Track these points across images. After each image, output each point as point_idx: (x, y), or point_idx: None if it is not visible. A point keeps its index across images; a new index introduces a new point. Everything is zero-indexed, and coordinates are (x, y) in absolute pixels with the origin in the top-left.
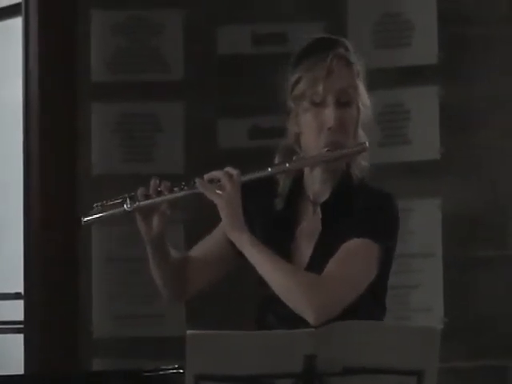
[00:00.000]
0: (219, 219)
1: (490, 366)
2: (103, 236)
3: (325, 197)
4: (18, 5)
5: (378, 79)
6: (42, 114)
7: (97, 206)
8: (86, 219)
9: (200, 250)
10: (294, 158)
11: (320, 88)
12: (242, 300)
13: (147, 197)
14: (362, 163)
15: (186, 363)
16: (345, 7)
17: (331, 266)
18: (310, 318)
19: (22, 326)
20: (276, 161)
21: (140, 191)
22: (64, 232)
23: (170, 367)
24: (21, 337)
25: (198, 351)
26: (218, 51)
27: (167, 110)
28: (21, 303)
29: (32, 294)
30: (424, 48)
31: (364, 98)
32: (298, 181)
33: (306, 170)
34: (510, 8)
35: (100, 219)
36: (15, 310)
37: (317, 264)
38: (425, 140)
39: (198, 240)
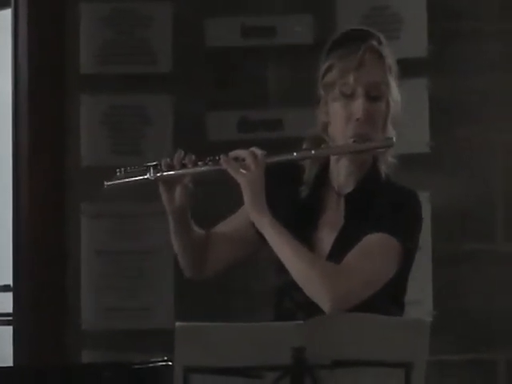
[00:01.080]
0: (207, 211)
1: (478, 359)
2: (92, 229)
3: (349, 188)
4: None
5: None
6: (30, 106)
7: (120, 171)
8: (108, 183)
9: (223, 227)
10: (321, 146)
11: (350, 79)
12: (230, 292)
13: (171, 168)
14: (390, 159)
15: (174, 355)
16: (334, 0)
17: (350, 257)
18: (324, 306)
19: (10, 318)
20: (304, 147)
21: (164, 161)
22: (53, 224)
23: (158, 359)
24: (10, 329)
25: (187, 343)
26: (207, 44)
27: (156, 103)
28: (10, 295)
29: (21, 287)
30: (413, 41)
31: (394, 93)
32: (323, 170)
33: (333, 160)
34: (499, 2)
35: (121, 185)
36: (4, 303)
37: (337, 255)
38: (414, 133)
39: None
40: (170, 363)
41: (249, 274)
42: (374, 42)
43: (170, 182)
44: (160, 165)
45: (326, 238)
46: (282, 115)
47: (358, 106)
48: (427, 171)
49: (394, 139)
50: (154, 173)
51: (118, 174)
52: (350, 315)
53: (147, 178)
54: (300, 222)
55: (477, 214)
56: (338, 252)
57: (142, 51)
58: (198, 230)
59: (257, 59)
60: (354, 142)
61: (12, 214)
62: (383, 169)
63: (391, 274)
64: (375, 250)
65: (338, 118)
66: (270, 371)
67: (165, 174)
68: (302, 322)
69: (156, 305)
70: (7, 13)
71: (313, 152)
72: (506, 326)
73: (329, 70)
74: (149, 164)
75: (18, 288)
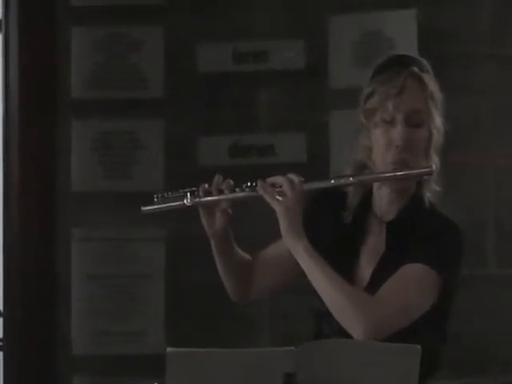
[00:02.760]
0: (200, 236)
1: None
2: (82, 253)
3: (392, 216)
4: None
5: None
6: (21, 129)
7: (157, 197)
8: (145, 209)
9: (268, 252)
10: (360, 173)
11: (390, 105)
12: (220, 318)
13: (208, 193)
14: (434, 187)
15: (165, 381)
16: (326, 25)
17: (386, 288)
18: (357, 336)
19: (0, 343)
20: (346, 173)
21: (202, 187)
22: (43, 248)
23: None
24: (0, 354)
25: (178, 369)
26: (199, 68)
27: (147, 128)
28: (0, 320)
29: (11, 311)
30: None
31: (437, 121)
32: (367, 196)
33: (375, 187)
34: (490, 27)
35: (158, 210)
36: None
37: (377, 283)
38: None
39: (179, 257)
40: None
41: None
42: (416, 69)
43: (210, 207)
44: (198, 190)
45: (367, 265)
46: (274, 140)
47: (398, 133)
48: None
49: (434, 167)
50: (191, 199)
51: (156, 199)
52: (339, 341)
53: (184, 204)
54: (343, 249)
55: (468, 239)
56: (378, 280)
57: (133, 76)
58: (242, 254)
59: (248, 84)
60: (394, 169)
61: (2, 238)
62: (427, 197)
63: (427, 306)
64: (411, 281)
65: (379, 145)
66: None
67: (202, 200)
68: (292, 348)
69: (147, 329)
70: None
71: (351, 179)
72: (499, 351)
73: (371, 95)
74: (186, 190)
75: (9, 313)
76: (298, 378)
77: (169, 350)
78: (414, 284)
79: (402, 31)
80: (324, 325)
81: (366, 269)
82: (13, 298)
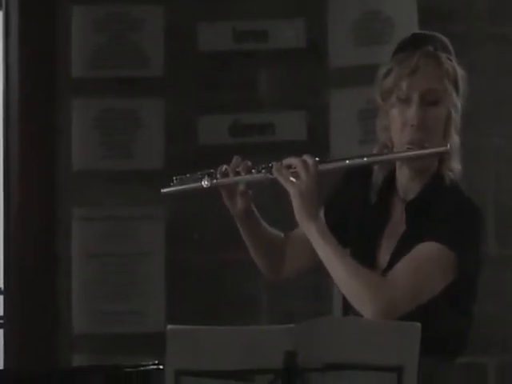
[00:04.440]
0: (200, 215)
1: (468, 363)
2: (83, 232)
3: (413, 195)
4: None
5: (360, 77)
6: (21, 109)
7: (176, 179)
8: (164, 190)
9: (299, 232)
10: (377, 153)
11: (404, 85)
12: (221, 296)
13: (225, 175)
14: (453, 165)
15: (166, 359)
16: (325, 4)
17: (399, 267)
18: (367, 315)
19: (1, 321)
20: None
21: (219, 169)
22: (44, 228)
23: (150, 363)
24: (0, 332)
25: (178, 346)
26: (199, 48)
27: (147, 106)
28: (0, 299)
29: (12, 290)
30: None
31: (455, 99)
32: (390, 176)
33: (397, 166)
34: (490, 6)
35: (178, 192)
36: None
37: (396, 263)
38: None
39: (180, 237)
40: (162, 367)
41: (240, 277)
42: (430, 48)
43: (230, 189)
44: (215, 173)
45: (389, 245)
46: (274, 119)
47: (413, 112)
48: None
49: (449, 146)
50: (208, 180)
51: (175, 181)
52: (341, 319)
53: (202, 186)
54: (368, 229)
55: None
56: (397, 261)
57: (133, 55)
58: (273, 232)
59: (249, 63)
60: (408, 149)
61: (3, 217)
62: (448, 175)
63: (442, 285)
64: (424, 260)
65: (395, 124)
66: (261, 375)
67: (219, 181)
68: (293, 325)
69: (147, 308)
70: None
71: (365, 159)
72: (496, 331)
73: (387, 73)
74: (204, 172)
75: (9, 291)
76: (299, 356)
77: (169, 327)
78: (426, 263)
79: (402, 11)
80: (350, 311)
81: (386, 249)
82: (13, 277)
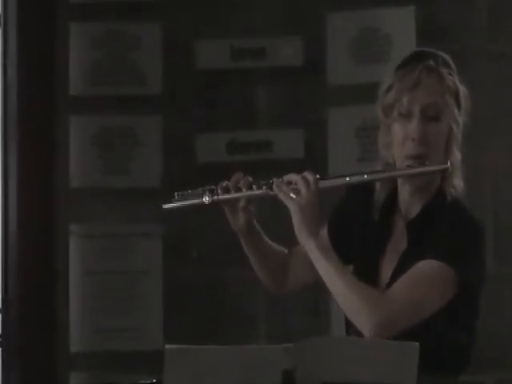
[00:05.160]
0: (198, 232)
1: (467, 381)
2: (81, 249)
3: (415, 212)
4: None
5: (358, 95)
6: (20, 126)
7: (177, 195)
8: (166, 206)
9: (302, 248)
10: (378, 170)
11: (405, 99)
12: (218, 315)
13: (226, 191)
14: (455, 182)
15: (164, 378)
16: (323, 22)
17: (398, 284)
18: (364, 332)
19: (0, 339)
20: (377, 169)
21: (220, 185)
22: (42, 245)
23: (147, 381)
24: None
25: (177, 366)
26: (197, 65)
27: (145, 124)
28: None
29: (10, 308)
30: None
31: (455, 115)
32: (392, 193)
33: (399, 183)
34: (489, 24)
35: (179, 208)
36: None
37: (397, 278)
38: None
39: (178, 254)
40: None
41: (238, 294)
42: (432, 63)
43: (231, 204)
44: (216, 189)
45: (390, 262)
46: (272, 137)
47: (414, 126)
48: None
49: (449, 164)
50: (209, 197)
51: (176, 197)
52: (339, 338)
53: (203, 202)
54: (370, 247)
55: None
56: (398, 277)
57: (131, 72)
58: (276, 247)
59: (246, 81)
60: (408, 166)
61: (1, 234)
62: (451, 192)
63: (441, 303)
64: (423, 278)
65: (397, 139)
66: None
67: (220, 197)
68: (291, 344)
69: (145, 326)
70: None
71: (365, 176)
72: (495, 348)
73: (389, 89)
74: (205, 188)
75: (7, 309)
76: (297, 375)
77: (167, 347)
78: (425, 280)
79: (400, 28)
80: (350, 329)
81: (388, 266)
82: (12, 295)
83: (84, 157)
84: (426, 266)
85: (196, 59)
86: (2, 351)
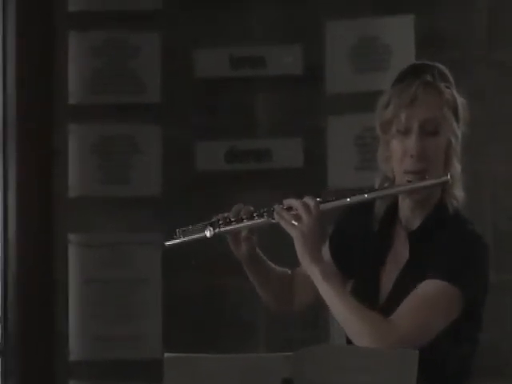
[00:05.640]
0: (196, 243)
1: None
2: (80, 258)
3: (416, 224)
4: None
5: (357, 104)
6: (19, 135)
7: (179, 231)
8: (167, 243)
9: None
10: (377, 187)
11: (403, 116)
12: (218, 323)
13: (228, 222)
14: (456, 193)
15: None
16: (323, 31)
17: (403, 309)
18: None
19: None
20: (376, 186)
21: (221, 216)
22: (41, 254)
23: None
24: None
25: (176, 374)
26: (196, 74)
27: (144, 132)
28: None
29: (9, 317)
30: None
31: (453, 127)
32: (393, 206)
33: (400, 196)
34: (487, 32)
35: (180, 244)
36: None
37: (399, 292)
38: None
39: (177, 263)
40: None
41: (237, 303)
42: (429, 77)
43: (235, 234)
44: (217, 221)
45: (390, 274)
46: (271, 145)
47: (412, 142)
48: None
49: (450, 176)
50: (211, 230)
51: (177, 233)
52: (337, 346)
53: (205, 236)
54: (370, 257)
55: None
56: (400, 289)
57: (130, 81)
58: (279, 270)
59: (246, 89)
60: (408, 181)
61: (0, 243)
62: (452, 204)
63: (448, 322)
64: (429, 300)
65: (396, 155)
66: None
67: (222, 230)
68: (290, 353)
69: (144, 334)
70: None
71: (366, 196)
72: (495, 356)
73: (386, 105)
74: (206, 222)
75: (7, 318)
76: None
77: (166, 355)
78: (430, 302)
79: (399, 37)
80: None
81: (389, 278)
82: (11, 303)
83: (83, 165)
84: (429, 287)
85: (195, 68)
86: (2, 360)
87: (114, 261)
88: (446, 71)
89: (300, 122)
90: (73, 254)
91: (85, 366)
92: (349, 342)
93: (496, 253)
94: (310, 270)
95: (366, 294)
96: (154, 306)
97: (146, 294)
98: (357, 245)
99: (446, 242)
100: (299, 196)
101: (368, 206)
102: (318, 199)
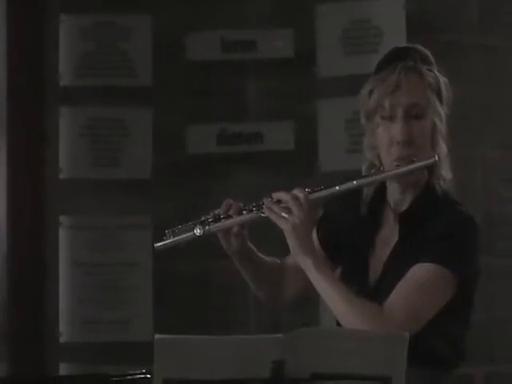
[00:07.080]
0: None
1: (457, 375)
2: (70, 241)
3: (405, 206)
4: None
5: (348, 87)
6: (9, 117)
7: (168, 232)
8: (157, 245)
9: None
10: (365, 174)
11: (387, 103)
12: (208, 306)
13: (217, 219)
14: (443, 174)
15: (153, 368)
16: (313, 14)
17: (396, 297)
18: None
19: None
20: (363, 173)
21: (211, 213)
22: (32, 237)
23: (137, 372)
24: None
25: (166, 356)
26: (187, 57)
27: (135, 115)
28: None
29: None
30: None
31: (439, 110)
32: (381, 188)
33: (388, 180)
34: (479, 16)
35: (171, 245)
36: None
37: (389, 274)
38: None
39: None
40: (149, 376)
41: (228, 286)
42: (410, 62)
43: (225, 230)
44: (207, 219)
45: (381, 256)
46: (262, 128)
47: (398, 129)
48: None
49: (437, 156)
50: (200, 229)
51: (166, 234)
52: (328, 329)
53: (195, 235)
54: (358, 240)
55: None
56: (391, 271)
57: (121, 64)
58: (271, 262)
59: (237, 73)
60: (397, 166)
61: None
62: (440, 185)
63: (442, 305)
64: (422, 285)
65: (382, 143)
66: None
67: (212, 228)
68: (280, 335)
69: (134, 317)
70: None
71: (354, 183)
72: (483, 341)
73: (370, 93)
74: (195, 221)
75: None
76: (286, 366)
77: (157, 336)
78: (424, 287)
79: (390, 20)
80: None
81: (379, 260)
82: (1, 286)
83: (74, 148)
84: (422, 272)
85: (186, 51)
86: None
87: (105, 243)
88: (427, 52)
89: (291, 104)
90: (63, 236)
91: (75, 348)
92: (339, 324)
93: (485, 237)
94: (303, 262)
95: (355, 277)
96: (145, 289)
97: (137, 277)
98: (345, 229)
99: (436, 224)
100: (291, 178)
101: (356, 190)
102: (307, 189)
